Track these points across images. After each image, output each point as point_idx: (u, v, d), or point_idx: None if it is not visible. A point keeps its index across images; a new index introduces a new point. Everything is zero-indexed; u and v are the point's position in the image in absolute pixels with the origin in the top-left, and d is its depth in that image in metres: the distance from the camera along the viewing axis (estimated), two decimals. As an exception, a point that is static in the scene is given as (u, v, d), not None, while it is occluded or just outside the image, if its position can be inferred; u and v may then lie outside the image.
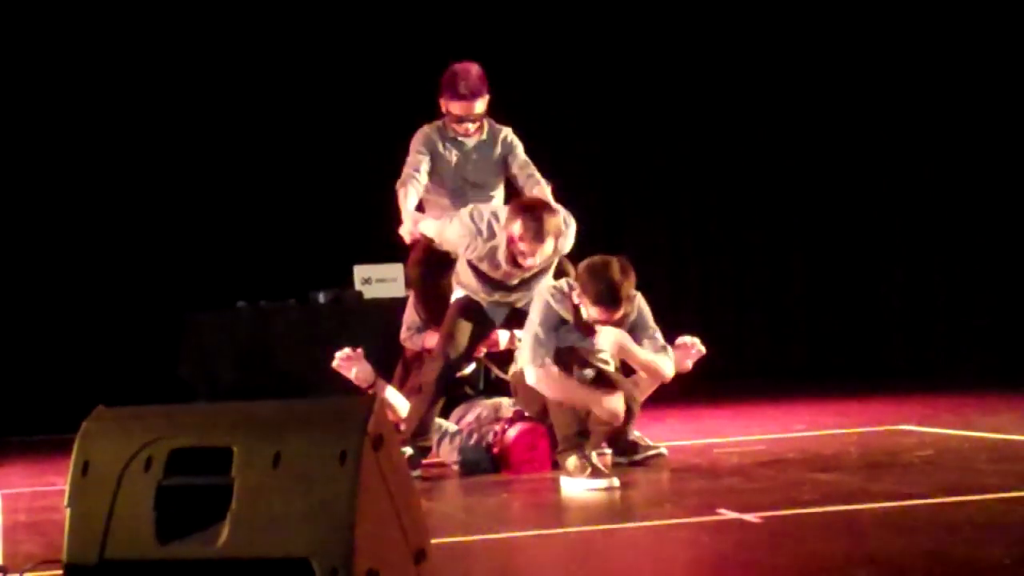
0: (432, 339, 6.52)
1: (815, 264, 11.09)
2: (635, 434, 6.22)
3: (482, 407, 6.44)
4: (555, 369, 5.87)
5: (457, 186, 6.67)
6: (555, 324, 5.96)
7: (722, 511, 4.73)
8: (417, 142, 6.67)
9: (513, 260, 6.18)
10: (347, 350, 6.49)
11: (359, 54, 10.37)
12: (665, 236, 11.14)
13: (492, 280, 6.33)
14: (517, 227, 6.08)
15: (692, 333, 6.48)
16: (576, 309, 5.94)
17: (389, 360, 6.78)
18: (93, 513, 3.22)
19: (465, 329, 6.29)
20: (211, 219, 10.13)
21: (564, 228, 6.25)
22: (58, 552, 3.29)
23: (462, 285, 6.41)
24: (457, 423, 6.41)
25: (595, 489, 5.52)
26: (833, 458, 6.03)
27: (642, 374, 6.12)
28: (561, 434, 5.85)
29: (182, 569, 3.17)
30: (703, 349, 6.39)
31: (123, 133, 10.02)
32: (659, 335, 6.09)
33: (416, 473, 6.06)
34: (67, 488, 3.25)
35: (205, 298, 9.63)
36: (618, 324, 5.98)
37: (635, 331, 6.06)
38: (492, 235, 6.20)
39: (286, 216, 10.25)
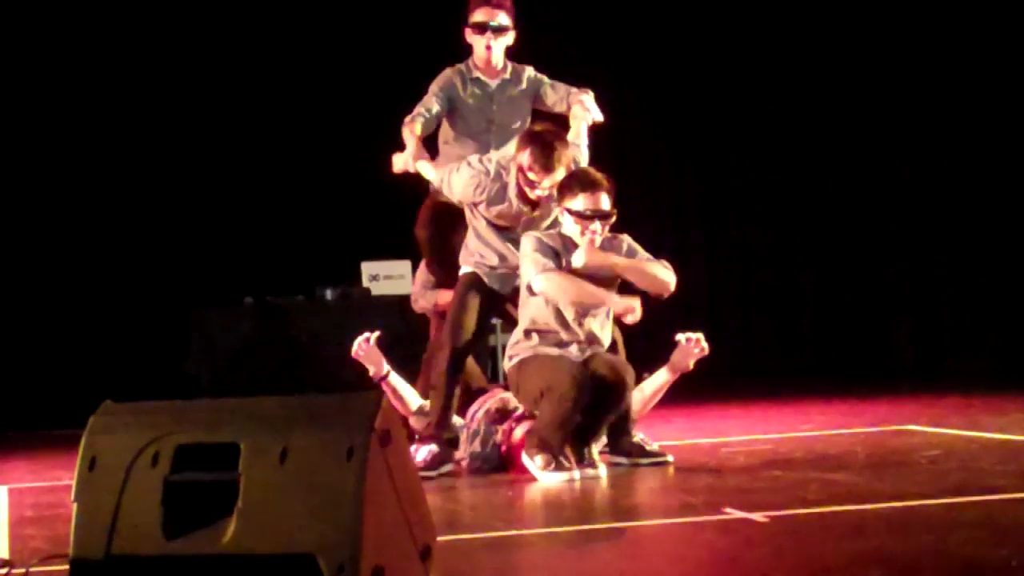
0: (445, 296, 6.44)
1: (822, 264, 11.07)
2: (639, 436, 6.16)
3: (491, 401, 6.38)
4: (562, 273, 5.81)
5: (482, 128, 6.51)
6: (548, 251, 5.88)
7: (728, 510, 4.72)
8: (435, 84, 6.54)
9: (523, 195, 6.05)
10: (366, 334, 6.37)
11: (367, 50, 10.36)
12: (672, 235, 11.13)
13: (502, 231, 6.19)
14: (526, 156, 5.95)
15: (699, 332, 6.44)
16: (562, 240, 5.89)
17: (398, 355, 6.76)
18: (100, 508, 3.22)
19: (471, 310, 6.16)
20: (219, 215, 10.14)
21: (576, 159, 6.15)
22: (65, 547, 3.30)
23: (469, 258, 6.27)
24: (464, 417, 6.37)
25: (557, 483, 5.62)
26: (840, 458, 6.02)
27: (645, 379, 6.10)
28: (540, 434, 5.80)
29: (188, 565, 3.17)
30: (706, 347, 6.33)
31: (131, 129, 10.03)
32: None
33: (448, 467, 6.09)
34: (74, 483, 3.26)
35: (212, 294, 9.64)
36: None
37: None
38: (499, 175, 6.09)
39: (294, 212, 10.25)
